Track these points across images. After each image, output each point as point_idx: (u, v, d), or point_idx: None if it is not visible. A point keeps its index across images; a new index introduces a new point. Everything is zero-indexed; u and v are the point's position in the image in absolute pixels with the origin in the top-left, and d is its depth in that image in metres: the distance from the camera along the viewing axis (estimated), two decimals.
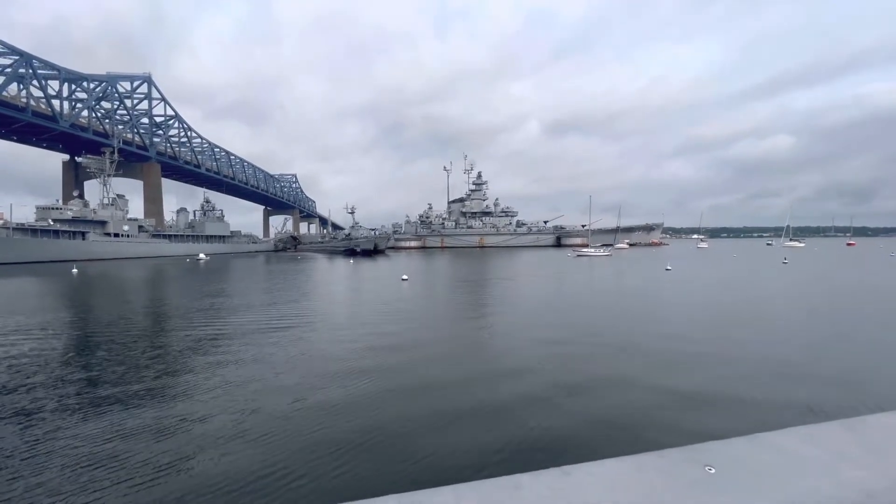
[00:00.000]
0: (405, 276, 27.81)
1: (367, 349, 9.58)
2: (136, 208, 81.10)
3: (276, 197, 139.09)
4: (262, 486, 4.30)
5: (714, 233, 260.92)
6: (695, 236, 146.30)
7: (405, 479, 4.39)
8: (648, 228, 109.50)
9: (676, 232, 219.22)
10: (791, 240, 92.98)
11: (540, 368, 7.97)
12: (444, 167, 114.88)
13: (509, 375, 7.63)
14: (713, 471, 1.93)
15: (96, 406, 6.38)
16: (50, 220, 56.83)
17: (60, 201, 65.77)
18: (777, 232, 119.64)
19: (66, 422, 5.84)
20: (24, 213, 60.63)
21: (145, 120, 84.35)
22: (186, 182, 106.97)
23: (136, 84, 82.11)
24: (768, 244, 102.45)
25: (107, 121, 75.94)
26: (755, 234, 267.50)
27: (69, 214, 59.54)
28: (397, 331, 11.62)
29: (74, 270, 35.95)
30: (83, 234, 59.80)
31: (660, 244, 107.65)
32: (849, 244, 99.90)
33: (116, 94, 77.66)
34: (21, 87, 61.98)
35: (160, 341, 10.76)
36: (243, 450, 5.03)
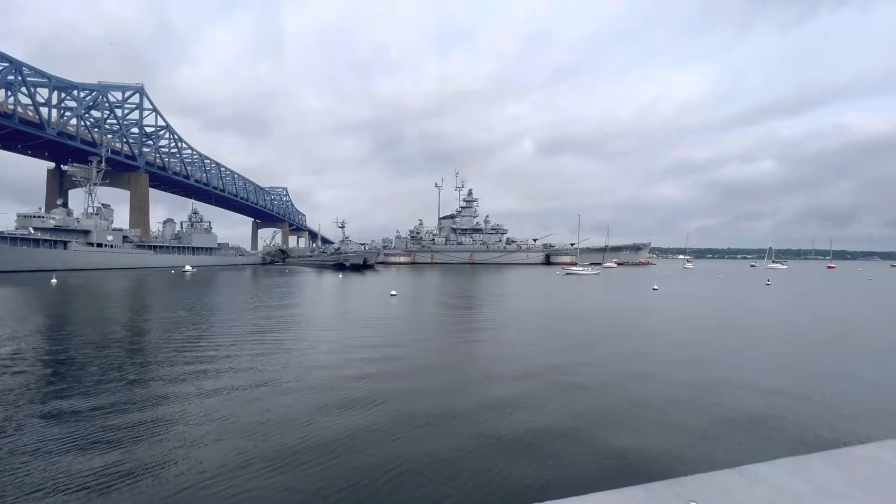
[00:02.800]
0: (394, 292, 27.65)
1: (361, 374, 9.46)
2: (123, 219, 79.77)
3: (265, 210, 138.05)
4: None
5: (700, 253, 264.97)
6: (681, 256, 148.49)
7: None
8: (636, 248, 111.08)
9: (663, 252, 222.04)
10: (774, 261, 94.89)
11: (528, 397, 7.94)
12: (436, 183, 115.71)
13: (502, 404, 7.59)
14: None
15: (88, 430, 6.13)
16: (31, 229, 55.38)
17: (43, 209, 64.35)
18: (760, 254, 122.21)
19: (56, 450, 5.59)
20: (5, 220, 58.77)
21: (135, 130, 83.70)
22: (175, 193, 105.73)
23: (127, 94, 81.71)
24: (752, 266, 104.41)
25: (96, 129, 75.15)
26: (739, 256, 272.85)
27: (51, 223, 58.13)
28: (393, 355, 11.52)
29: (54, 281, 35.01)
30: (65, 244, 58.32)
31: (647, 264, 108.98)
32: (829, 266, 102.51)
33: (107, 104, 77.12)
34: (9, 93, 61.31)
35: (151, 359, 10.46)
36: (251, 482, 4.78)
